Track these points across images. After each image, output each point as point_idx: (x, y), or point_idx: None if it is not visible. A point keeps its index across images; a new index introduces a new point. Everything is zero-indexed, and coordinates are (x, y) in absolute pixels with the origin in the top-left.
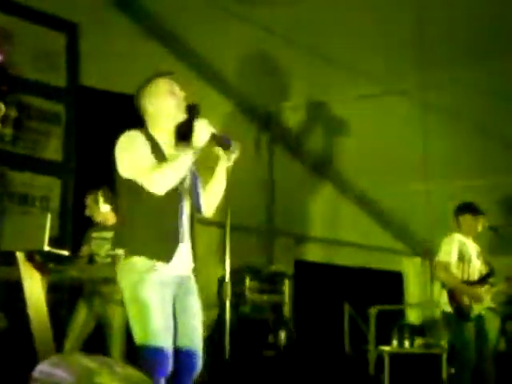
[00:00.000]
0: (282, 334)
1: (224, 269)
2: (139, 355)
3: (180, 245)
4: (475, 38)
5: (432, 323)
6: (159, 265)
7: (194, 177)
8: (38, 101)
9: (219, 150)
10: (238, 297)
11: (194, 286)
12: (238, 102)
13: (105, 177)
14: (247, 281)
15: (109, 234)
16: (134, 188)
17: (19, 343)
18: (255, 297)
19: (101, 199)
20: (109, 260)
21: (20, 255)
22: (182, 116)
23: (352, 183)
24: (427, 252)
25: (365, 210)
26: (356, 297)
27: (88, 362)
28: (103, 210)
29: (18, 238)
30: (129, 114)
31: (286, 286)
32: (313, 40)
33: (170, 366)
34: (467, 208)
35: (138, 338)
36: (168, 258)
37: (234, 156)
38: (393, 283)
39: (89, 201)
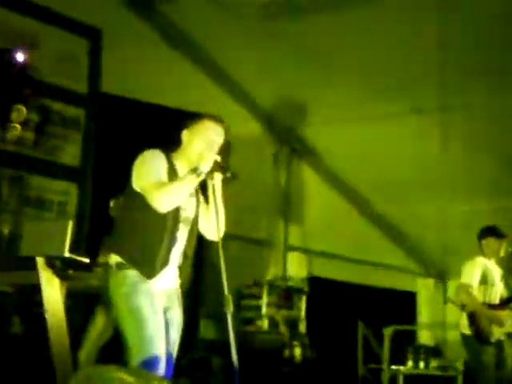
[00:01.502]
0: (298, 350)
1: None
2: (133, 362)
3: (167, 267)
4: (497, 61)
5: (444, 345)
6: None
7: (199, 206)
8: (58, 105)
9: (217, 177)
10: (255, 311)
11: (179, 299)
12: (258, 116)
13: (122, 183)
14: (264, 295)
15: None
16: (140, 202)
17: (35, 348)
18: (272, 311)
19: None
20: None
21: (40, 260)
22: (203, 166)
23: (368, 202)
24: (441, 274)
25: (380, 230)
26: (369, 315)
27: (125, 375)
28: None
29: (37, 242)
30: (147, 122)
31: (303, 302)
32: (335, 58)
33: (162, 372)
34: (491, 231)
35: (133, 345)
36: (152, 276)
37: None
38: (406, 303)
39: (114, 203)
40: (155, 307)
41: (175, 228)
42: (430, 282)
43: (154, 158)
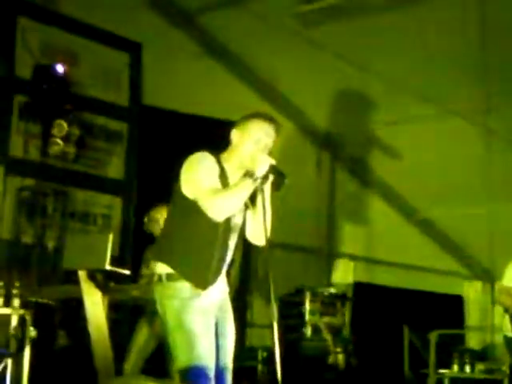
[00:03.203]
0: (341, 357)
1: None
2: (182, 378)
3: (219, 277)
4: None
5: (492, 348)
6: (200, 291)
7: (246, 210)
8: (100, 119)
9: (269, 181)
10: (298, 318)
11: (230, 307)
12: (300, 122)
13: (166, 196)
14: (307, 302)
15: None
16: (191, 209)
17: (80, 361)
18: (315, 319)
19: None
20: None
21: (82, 273)
22: (258, 170)
23: (412, 205)
24: (488, 276)
25: (426, 233)
26: (415, 320)
27: None
28: None
29: (79, 256)
30: (189, 133)
31: (347, 309)
32: (372, 62)
33: None
34: None
35: (182, 361)
36: (205, 287)
37: (282, 185)
38: (453, 307)
39: (154, 215)
40: (207, 324)
41: (227, 236)
42: (478, 284)
43: (205, 161)
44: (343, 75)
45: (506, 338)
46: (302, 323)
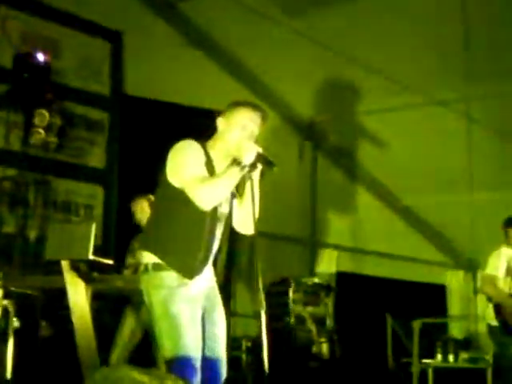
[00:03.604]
0: (325, 346)
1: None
2: (168, 367)
3: (206, 265)
4: None
5: (476, 337)
6: (187, 280)
7: (233, 199)
8: (81, 109)
9: (258, 170)
10: (282, 308)
11: (218, 295)
12: (283, 112)
13: (148, 185)
14: (291, 292)
15: None
16: (177, 197)
17: (63, 351)
18: (299, 308)
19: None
20: None
21: (65, 264)
22: (245, 158)
23: (395, 194)
24: (471, 265)
25: (408, 222)
26: (398, 309)
27: (138, 375)
28: None
29: (62, 246)
30: (171, 123)
31: (330, 298)
32: (356, 51)
33: (198, 379)
34: None
35: (168, 351)
36: (192, 276)
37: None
38: (436, 296)
39: (141, 203)
40: (194, 314)
41: (214, 225)
42: (460, 273)
43: (191, 149)
44: (327, 64)
45: (489, 326)
46: (286, 313)
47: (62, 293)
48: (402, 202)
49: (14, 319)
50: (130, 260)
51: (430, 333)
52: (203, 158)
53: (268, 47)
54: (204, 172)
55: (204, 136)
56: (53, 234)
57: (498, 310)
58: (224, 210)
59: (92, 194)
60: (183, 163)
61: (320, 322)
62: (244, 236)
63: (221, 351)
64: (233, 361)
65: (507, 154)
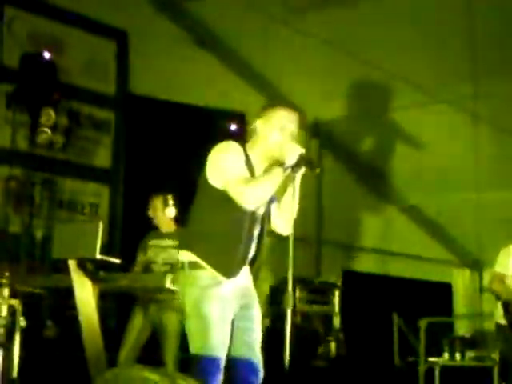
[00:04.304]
0: (332, 345)
1: (275, 278)
2: (193, 364)
3: (243, 266)
4: None
5: (481, 335)
6: (222, 279)
7: (270, 201)
8: (88, 108)
9: (301, 171)
10: None
11: (254, 295)
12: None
13: (153, 184)
14: (297, 291)
15: (167, 242)
16: (219, 198)
17: (70, 351)
18: (305, 307)
19: (171, 202)
20: (166, 268)
21: (72, 263)
22: (288, 160)
23: (401, 193)
24: (477, 263)
25: (414, 221)
26: (405, 308)
27: (149, 374)
28: (170, 215)
29: (69, 245)
30: (177, 122)
31: (336, 297)
32: (365, 51)
33: (221, 377)
34: None
35: (195, 349)
36: (230, 276)
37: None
38: (442, 295)
39: (156, 202)
40: (224, 314)
41: (252, 226)
42: (466, 272)
43: (232, 150)
44: (331, 63)
45: (497, 325)
46: (293, 312)
47: (68, 292)
48: (408, 201)
49: (21, 318)
50: (141, 257)
51: (437, 331)
52: (244, 159)
53: (273, 46)
54: (246, 173)
55: (209, 134)
56: (59, 232)
57: (507, 308)
58: (261, 211)
59: (98, 193)
60: (225, 164)
61: (326, 320)
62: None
63: (256, 347)
64: None
65: None
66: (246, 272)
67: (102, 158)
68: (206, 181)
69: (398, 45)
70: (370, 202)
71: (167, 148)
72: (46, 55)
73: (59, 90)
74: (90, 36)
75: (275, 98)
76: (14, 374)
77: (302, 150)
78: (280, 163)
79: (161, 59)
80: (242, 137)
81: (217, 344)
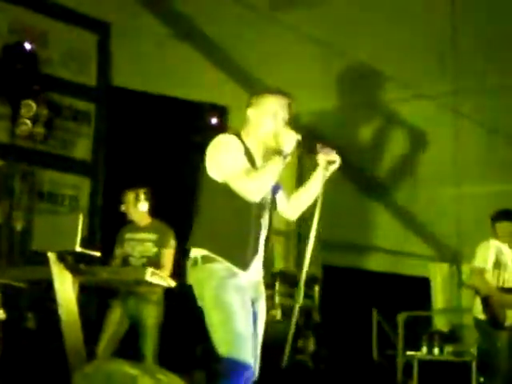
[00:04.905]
0: (311, 339)
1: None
2: (222, 363)
3: (257, 255)
4: (509, 48)
5: (460, 330)
6: (237, 271)
7: (275, 187)
8: (68, 100)
9: (320, 159)
10: (269, 300)
11: (263, 291)
12: None
13: (134, 176)
14: (277, 285)
15: (142, 236)
16: (221, 191)
17: (49, 344)
18: (285, 301)
19: (142, 197)
20: (144, 261)
21: (52, 255)
22: (286, 147)
23: (380, 187)
24: (455, 258)
25: (393, 215)
26: (384, 302)
27: (130, 369)
28: (142, 209)
29: (49, 237)
30: (157, 114)
31: (316, 291)
32: (348, 48)
33: (251, 373)
34: (504, 215)
35: (223, 342)
36: (246, 267)
37: (333, 166)
38: (420, 289)
39: (128, 197)
40: (244, 302)
41: (260, 214)
42: (444, 266)
43: (230, 142)
44: (316, 56)
45: (476, 320)
46: (272, 305)
47: (48, 284)
48: (387, 195)
49: (0, 311)
50: (118, 250)
51: (415, 326)
52: (242, 150)
53: (258, 39)
54: (246, 163)
55: (189, 127)
56: (40, 224)
57: (487, 302)
58: (267, 198)
59: (78, 186)
60: (225, 157)
61: (306, 315)
62: None
63: (256, 348)
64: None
65: (494, 147)
66: (258, 265)
67: (83, 150)
68: (207, 176)
69: (380, 40)
70: (350, 196)
71: (148, 141)
72: (27, 46)
73: (40, 81)
74: (71, 27)
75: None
76: None
77: (299, 136)
78: (277, 150)
79: (142, 51)
80: (223, 130)
81: (243, 331)
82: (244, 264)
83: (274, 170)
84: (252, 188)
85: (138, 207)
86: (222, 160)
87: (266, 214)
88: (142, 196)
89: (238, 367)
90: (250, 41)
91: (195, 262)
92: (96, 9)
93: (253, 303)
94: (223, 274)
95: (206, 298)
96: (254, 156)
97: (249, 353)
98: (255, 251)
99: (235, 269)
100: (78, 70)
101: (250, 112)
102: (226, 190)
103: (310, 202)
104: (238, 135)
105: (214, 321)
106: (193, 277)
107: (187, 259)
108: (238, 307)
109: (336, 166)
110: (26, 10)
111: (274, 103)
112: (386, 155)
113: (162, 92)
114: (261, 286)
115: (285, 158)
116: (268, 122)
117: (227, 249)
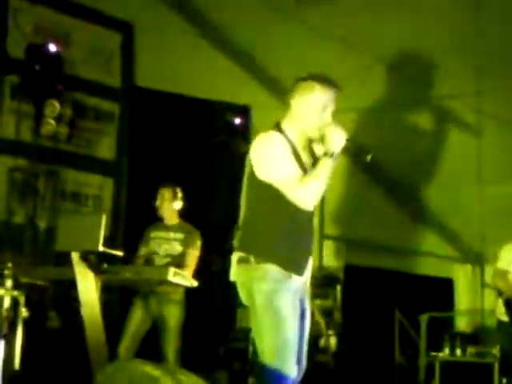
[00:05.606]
0: (333, 339)
1: None
2: (264, 369)
3: (310, 258)
4: None
5: (482, 331)
6: (293, 275)
7: None
8: (92, 100)
9: (329, 131)
10: None
11: (308, 289)
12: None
13: (156, 176)
14: None
15: (170, 234)
16: (273, 194)
17: (72, 343)
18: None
19: (179, 195)
20: (168, 259)
21: (75, 255)
22: (335, 147)
23: (403, 187)
24: (478, 259)
25: (416, 216)
26: (406, 303)
27: (151, 369)
28: (176, 207)
29: (71, 237)
30: (181, 114)
31: (338, 291)
32: (368, 44)
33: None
34: None
35: (268, 349)
36: (301, 272)
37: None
38: (443, 290)
39: (164, 193)
40: (295, 305)
41: (312, 217)
42: (468, 267)
43: (277, 144)
44: (336, 56)
45: (499, 321)
46: None
47: (71, 283)
48: (410, 195)
49: (23, 310)
50: (143, 249)
51: (438, 327)
52: (289, 148)
53: (281, 41)
54: (296, 167)
55: (211, 127)
56: (63, 225)
57: (509, 304)
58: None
59: (101, 185)
60: (273, 161)
61: (328, 314)
62: None
63: (303, 347)
64: (239, 352)
65: None
66: (309, 266)
67: (106, 149)
68: (255, 178)
69: (402, 39)
70: (371, 196)
71: (171, 140)
72: (52, 47)
73: (64, 81)
74: (95, 28)
75: (280, 94)
76: (17, 365)
77: (348, 136)
78: (329, 153)
79: (166, 51)
80: (245, 130)
81: (291, 338)
82: (300, 269)
83: (325, 174)
84: (306, 198)
85: (173, 205)
86: (271, 164)
87: (314, 217)
88: (180, 194)
89: (280, 380)
90: (273, 40)
91: (247, 259)
92: (120, 9)
93: (300, 301)
94: (278, 276)
95: (257, 300)
96: (300, 152)
97: (293, 362)
98: (309, 255)
99: (292, 274)
100: (101, 69)
101: (296, 103)
102: (278, 195)
103: (321, 190)
104: (280, 129)
105: (263, 325)
106: (243, 274)
107: (233, 256)
108: (290, 313)
109: (342, 143)
110: (50, 11)
111: (324, 96)
112: (409, 155)
113: (184, 92)
114: (307, 284)
115: (334, 159)
116: (315, 115)
117: (283, 255)
